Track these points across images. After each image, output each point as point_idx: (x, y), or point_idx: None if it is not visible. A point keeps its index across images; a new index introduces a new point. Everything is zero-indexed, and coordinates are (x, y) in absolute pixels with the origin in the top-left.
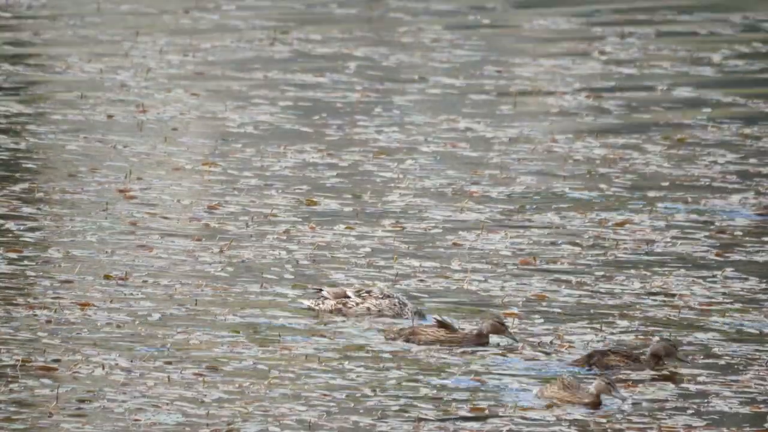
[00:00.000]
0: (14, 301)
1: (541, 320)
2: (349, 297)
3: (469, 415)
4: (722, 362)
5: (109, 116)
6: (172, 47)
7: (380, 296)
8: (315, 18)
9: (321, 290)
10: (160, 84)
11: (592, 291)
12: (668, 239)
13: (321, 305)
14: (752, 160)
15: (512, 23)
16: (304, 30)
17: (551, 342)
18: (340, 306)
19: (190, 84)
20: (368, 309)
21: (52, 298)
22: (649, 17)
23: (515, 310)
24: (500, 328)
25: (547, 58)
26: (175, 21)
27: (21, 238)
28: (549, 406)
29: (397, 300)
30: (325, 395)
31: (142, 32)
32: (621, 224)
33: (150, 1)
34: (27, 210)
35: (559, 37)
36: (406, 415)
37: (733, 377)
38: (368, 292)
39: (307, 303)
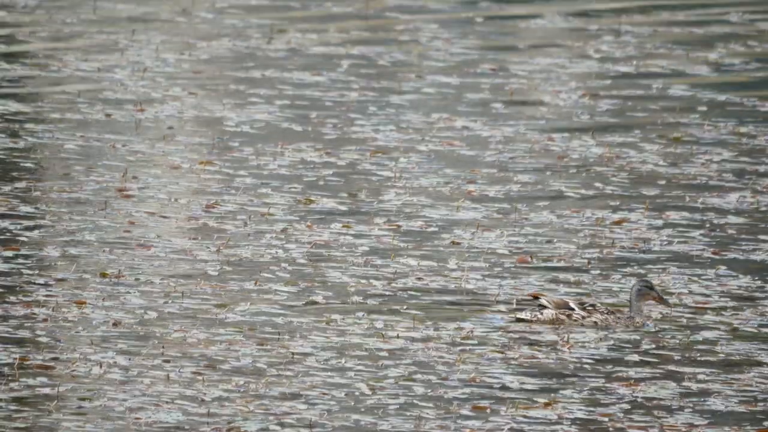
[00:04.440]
0: (11, 300)
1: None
2: (572, 309)
3: (471, 413)
4: (722, 361)
5: (107, 115)
6: (168, 46)
7: (605, 311)
8: (311, 16)
9: (538, 298)
10: (157, 83)
11: (589, 289)
12: (664, 238)
13: (539, 315)
14: (748, 159)
15: (508, 21)
16: (301, 28)
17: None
18: (562, 317)
19: (187, 83)
20: (595, 323)
21: (49, 296)
22: (645, 15)
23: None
24: None
25: (543, 56)
26: (171, 19)
27: (18, 237)
28: (548, 404)
29: (623, 314)
30: (324, 393)
31: (138, 31)
32: (618, 223)
33: None
34: (24, 209)
35: (555, 35)
36: (407, 413)
37: (734, 376)
38: (593, 305)
39: (521, 315)
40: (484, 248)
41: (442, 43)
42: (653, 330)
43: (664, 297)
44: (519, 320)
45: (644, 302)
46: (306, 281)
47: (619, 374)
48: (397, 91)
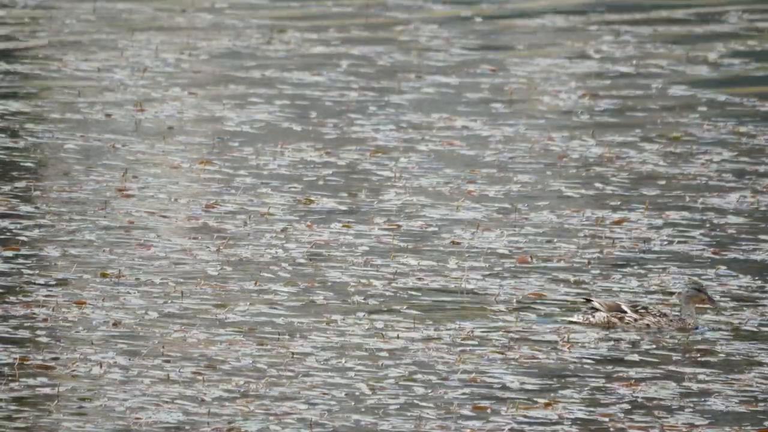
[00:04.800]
0: (11, 300)
1: (536, 318)
2: (624, 312)
3: (471, 413)
4: (722, 361)
5: (108, 115)
6: (168, 46)
7: (657, 314)
8: (311, 16)
9: (590, 300)
10: (157, 83)
11: (589, 289)
12: (664, 238)
13: (591, 318)
14: (748, 159)
15: (508, 21)
16: (301, 28)
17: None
18: (614, 320)
19: (187, 83)
20: (647, 326)
21: (49, 296)
22: (645, 15)
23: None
24: None
25: (543, 56)
26: (170, 19)
27: (18, 237)
28: (548, 404)
29: (674, 317)
30: (324, 393)
31: (138, 31)
32: (618, 222)
33: None
34: (24, 209)
35: (554, 35)
36: (407, 413)
37: (734, 376)
38: (645, 308)
39: (574, 317)
40: (484, 248)
41: (442, 43)
42: (708, 332)
43: (714, 298)
44: (571, 323)
45: (694, 305)
46: (306, 281)
47: (619, 374)
48: (397, 91)
